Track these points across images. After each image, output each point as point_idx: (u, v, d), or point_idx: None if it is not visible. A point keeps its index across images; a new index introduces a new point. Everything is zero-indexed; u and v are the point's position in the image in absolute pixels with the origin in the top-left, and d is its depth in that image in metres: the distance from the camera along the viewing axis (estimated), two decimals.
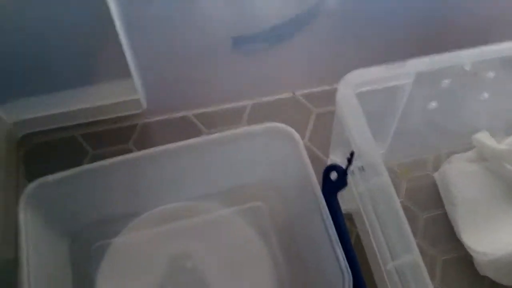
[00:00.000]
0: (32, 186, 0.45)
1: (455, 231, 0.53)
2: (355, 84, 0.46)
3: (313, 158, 0.57)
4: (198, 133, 0.61)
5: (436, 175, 0.57)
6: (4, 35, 0.49)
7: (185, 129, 0.62)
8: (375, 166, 0.41)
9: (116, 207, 0.50)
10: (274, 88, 0.63)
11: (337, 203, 0.46)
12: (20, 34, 0.50)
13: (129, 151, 0.59)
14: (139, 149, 0.60)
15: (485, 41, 0.49)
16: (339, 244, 0.41)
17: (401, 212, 0.39)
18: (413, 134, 0.56)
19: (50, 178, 0.45)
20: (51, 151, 0.61)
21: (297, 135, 0.47)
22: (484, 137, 0.56)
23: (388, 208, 0.39)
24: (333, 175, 0.47)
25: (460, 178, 0.54)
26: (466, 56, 0.48)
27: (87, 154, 0.60)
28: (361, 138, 0.43)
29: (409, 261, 0.37)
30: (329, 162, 0.55)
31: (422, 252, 0.52)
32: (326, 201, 0.45)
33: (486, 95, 0.53)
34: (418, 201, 0.56)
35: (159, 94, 0.61)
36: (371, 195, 0.41)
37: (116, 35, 0.51)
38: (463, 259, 0.52)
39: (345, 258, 0.40)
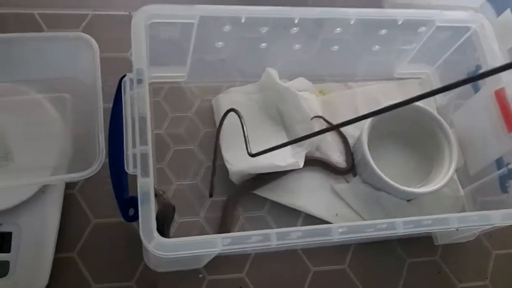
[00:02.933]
0: None
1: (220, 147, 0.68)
2: (149, 15, 0.58)
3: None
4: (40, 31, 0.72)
5: (213, 101, 0.71)
6: None
7: (29, 26, 0.72)
8: (141, 80, 0.55)
9: None
10: (109, 4, 0.74)
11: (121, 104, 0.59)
12: None
13: None
14: None
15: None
16: (102, 130, 0.55)
17: (147, 116, 0.53)
18: (208, 65, 0.70)
19: None
20: None
21: (95, 44, 0.59)
22: (273, 72, 0.71)
23: (139, 110, 0.53)
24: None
25: (231, 105, 0.69)
26: (243, 11, 0.61)
27: None
28: (137, 57, 0.56)
29: (143, 150, 0.52)
30: None
31: (194, 156, 0.67)
32: (116, 98, 0.58)
33: (264, 45, 0.67)
34: (204, 118, 0.71)
35: None
36: (132, 100, 0.54)
37: None
38: (225, 167, 0.68)
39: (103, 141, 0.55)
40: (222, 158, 0.67)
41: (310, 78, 0.74)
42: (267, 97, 0.71)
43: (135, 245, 0.62)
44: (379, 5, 0.81)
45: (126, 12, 0.75)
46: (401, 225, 0.56)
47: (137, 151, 0.52)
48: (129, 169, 0.52)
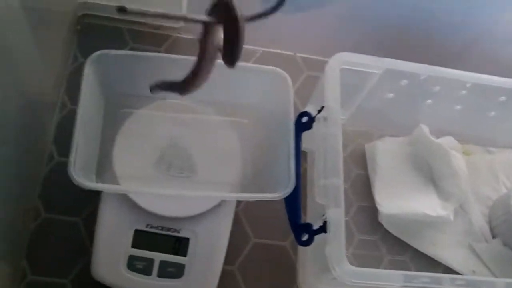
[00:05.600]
0: (97, 53, 0.61)
1: (372, 189, 0.73)
2: (342, 61, 0.64)
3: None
4: None
5: (366, 146, 0.76)
6: None
7: None
8: (334, 119, 0.60)
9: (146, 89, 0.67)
10: (278, 44, 0.81)
11: (300, 139, 0.65)
12: None
13: None
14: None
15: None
16: (294, 159, 0.60)
17: (340, 151, 0.58)
18: (370, 113, 0.75)
19: (112, 52, 0.62)
20: (100, 33, 0.77)
21: (289, 80, 0.64)
22: (425, 129, 0.76)
23: (333, 145, 0.58)
24: (304, 119, 0.66)
25: (385, 152, 0.74)
26: (423, 69, 0.66)
27: (127, 45, 0.77)
28: (332, 97, 0.61)
29: (335, 182, 0.57)
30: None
31: (345, 196, 0.72)
32: (296, 131, 0.64)
33: (429, 101, 0.72)
34: (356, 160, 0.76)
35: None
36: (324, 136, 0.60)
37: None
38: (372, 209, 0.72)
39: (294, 169, 0.59)
40: (372, 200, 0.72)
41: (454, 138, 0.79)
42: (418, 150, 0.76)
43: (290, 267, 0.66)
44: None
45: (292, 53, 0.82)
46: None
47: (328, 182, 0.57)
48: (319, 198, 0.57)
